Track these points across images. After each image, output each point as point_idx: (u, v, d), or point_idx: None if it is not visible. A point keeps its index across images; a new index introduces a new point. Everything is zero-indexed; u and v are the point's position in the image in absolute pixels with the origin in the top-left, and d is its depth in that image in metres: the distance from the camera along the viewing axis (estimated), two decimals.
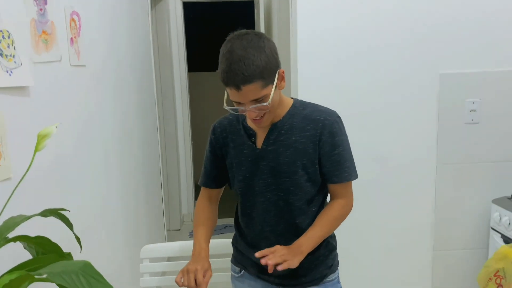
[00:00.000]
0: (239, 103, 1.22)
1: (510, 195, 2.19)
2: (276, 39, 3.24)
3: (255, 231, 1.41)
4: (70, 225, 0.98)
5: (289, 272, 1.33)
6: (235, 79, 1.15)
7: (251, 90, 1.17)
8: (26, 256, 0.95)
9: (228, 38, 1.22)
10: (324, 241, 1.37)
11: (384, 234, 2.28)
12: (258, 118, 1.25)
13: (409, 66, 2.14)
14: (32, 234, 0.96)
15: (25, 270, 0.81)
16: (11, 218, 0.92)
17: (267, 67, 1.18)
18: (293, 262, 1.22)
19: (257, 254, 1.22)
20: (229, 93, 1.21)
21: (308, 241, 1.30)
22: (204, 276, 1.27)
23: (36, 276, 0.71)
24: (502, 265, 1.90)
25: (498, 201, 2.16)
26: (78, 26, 1.71)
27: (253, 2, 4.23)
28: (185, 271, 1.29)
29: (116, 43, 2.28)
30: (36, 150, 0.92)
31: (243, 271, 1.50)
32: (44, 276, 0.70)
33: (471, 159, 2.22)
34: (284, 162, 1.31)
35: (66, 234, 1.03)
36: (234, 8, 5.65)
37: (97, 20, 1.98)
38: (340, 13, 2.10)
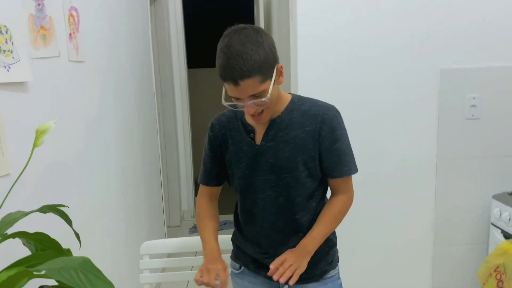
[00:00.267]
0: (237, 99, 1.21)
1: (511, 190, 2.19)
2: (276, 35, 3.23)
3: (255, 227, 1.41)
4: (69, 221, 0.97)
5: None
6: (233, 74, 1.14)
7: (250, 85, 1.16)
8: (25, 252, 0.95)
9: (225, 33, 1.20)
10: None
11: (384, 229, 2.28)
12: (256, 114, 1.24)
13: (409, 61, 2.13)
14: (31, 230, 0.95)
15: (24, 267, 0.81)
16: (10, 214, 0.91)
17: (265, 61, 1.17)
18: (302, 267, 1.25)
19: (270, 272, 1.24)
20: (227, 88, 1.20)
21: (313, 241, 1.31)
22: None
23: (35, 273, 0.71)
24: (502, 260, 1.90)
25: (498, 197, 2.16)
26: (76, 21, 1.70)
27: None
28: (205, 270, 1.29)
29: (115, 39, 2.27)
30: (34, 145, 0.92)
31: (243, 267, 1.50)
32: (43, 272, 0.69)
33: (471, 155, 2.21)
34: (284, 158, 1.31)
35: (65, 231, 1.02)
36: (234, 4, 5.64)
37: (96, 15, 1.97)
38: (340, 9, 2.09)
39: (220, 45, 1.19)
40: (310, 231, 1.33)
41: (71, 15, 1.65)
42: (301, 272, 1.25)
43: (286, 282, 1.26)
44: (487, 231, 2.26)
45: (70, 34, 1.63)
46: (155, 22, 3.93)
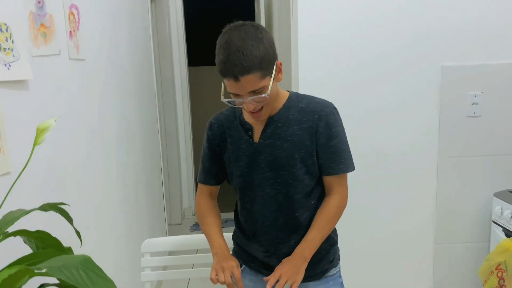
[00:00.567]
0: (236, 95, 1.21)
1: None
2: (276, 32, 3.23)
3: (255, 225, 1.41)
4: (70, 219, 0.97)
5: None
6: (234, 70, 1.14)
7: (250, 81, 1.16)
8: (26, 250, 0.95)
9: (225, 29, 1.20)
10: None
11: (385, 227, 2.28)
12: (256, 111, 1.24)
13: (411, 58, 2.13)
14: (32, 228, 0.95)
15: (25, 265, 0.81)
16: (11, 213, 0.91)
17: (265, 57, 1.17)
18: (299, 280, 1.25)
19: (267, 287, 1.24)
20: (226, 84, 1.20)
21: (309, 246, 1.30)
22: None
23: (36, 271, 0.71)
24: (503, 258, 1.90)
25: (499, 195, 2.16)
26: (77, 19, 1.70)
27: None
28: (220, 268, 1.29)
29: (115, 37, 2.27)
30: (35, 144, 0.91)
31: (243, 265, 1.50)
32: (44, 270, 0.69)
33: (472, 152, 2.21)
34: (282, 156, 1.31)
35: (66, 229, 1.02)
36: (234, 2, 5.62)
37: (96, 13, 1.97)
38: (341, 7, 2.08)
39: (219, 41, 1.19)
40: (305, 236, 1.32)
41: (72, 13, 1.65)
42: (299, 284, 1.25)
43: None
44: (488, 229, 2.26)
45: (70, 32, 1.63)
46: (155, 20, 3.92)
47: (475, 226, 2.28)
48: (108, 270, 0.81)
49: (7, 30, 1.19)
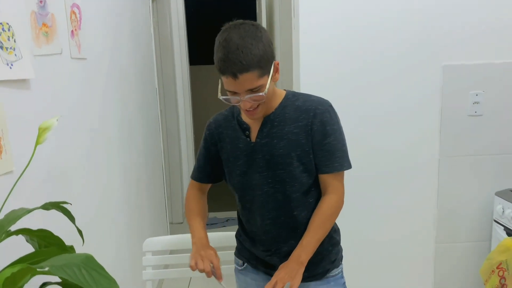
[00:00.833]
0: (234, 93, 1.22)
1: None
2: (278, 31, 3.23)
3: (255, 225, 1.41)
4: (72, 218, 0.98)
5: None
6: (233, 68, 1.15)
7: (248, 79, 1.17)
8: (28, 249, 0.95)
9: (224, 27, 1.21)
10: (327, 236, 1.37)
11: (386, 226, 2.28)
12: (252, 109, 1.25)
13: (412, 57, 2.12)
14: (34, 227, 0.96)
15: (27, 263, 0.81)
16: (13, 211, 0.92)
17: (264, 56, 1.17)
18: (296, 283, 1.25)
19: None
20: (224, 82, 1.21)
21: (305, 249, 1.30)
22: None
23: (38, 269, 0.71)
24: (505, 257, 1.90)
25: (501, 194, 2.16)
26: (78, 18, 1.70)
27: None
28: (199, 257, 1.31)
29: (117, 36, 2.27)
30: (37, 143, 0.92)
31: (246, 264, 1.51)
32: (46, 269, 0.70)
33: (474, 152, 2.21)
34: (279, 154, 1.31)
35: (68, 228, 1.03)
36: (236, 1, 5.62)
37: (97, 12, 1.97)
38: (342, 6, 2.08)
39: (218, 39, 1.20)
40: (301, 240, 1.32)
41: (73, 12, 1.65)
42: (297, 285, 1.26)
43: None
44: (489, 228, 2.26)
45: (72, 31, 1.63)
46: (157, 19, 3.92)
47: (477, 225, 2.28)
48: (110, 269, 0.81)
49: (9, 30, 1.19)
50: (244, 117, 1.36)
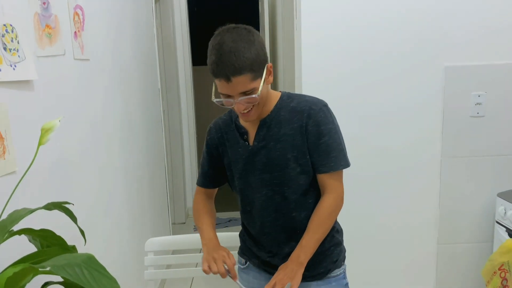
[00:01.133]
0: (227, 96, 1.23)
1: None
2: (280, 31, 3.23)
3: (255, 227, 1.43)
4: (74, 218, 0.99)
5: None
6: (226, 71, 1.16)
7: (241, 82, 1.18)
8: (31, 249, 0.96)
9: (217, 31, 1.23)
10: (328, 235, 1.37)
11: (388, 227, 2.28)
12: (246, 111, 1.25)
13: (414, 59, 2.13)
14: (37, 227, 0.97)
15: (29, 263, 0.82)
16: (16, 211, 0.92)
17: (257, 60, 1.19)
18: (295, 283, 1.25)
19: None
20: (218, 85, 1.22)
21: (304, 250, 1.30)
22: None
23: (40, 269, 0.72)
24: (506, 258, 1.90)
25: (503, 195, 2.15)
26: (81, 20, 1.71)
27: None
28: (212, 259, 1.30)
29: (120, 37, 2.28)
30: (40, 143, 0.93)
31: (248, 262, 1.52)
32: (48, 269, 0.70)
33: (476, 153, 2.20)
34: (275, 157, 1.32)
35: (70, 227, 1.03)
36: (239, 1, 5.63)
37: (100, 13, 1.98)
38: (344, 6, 2.08)
39: (212, 42, 1.21)
40: (300, 241, 1.32)
41: (76, 13, 1.66)
42: (297, 285, 1.26)
43: None
44: (491, 229, 2.25)
45: (75, 32, 1.64)
46: (159, 20, 3.93)
47: (478, 226, 2.28)
48: (112, 269, 0.82)
49: (12, 31, 1.20)
50: (242, 122, 1.37)
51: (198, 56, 5.22)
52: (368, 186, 2.21)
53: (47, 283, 0.92)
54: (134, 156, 2.48)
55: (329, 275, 1.42)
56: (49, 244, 0.95)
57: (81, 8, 1.71)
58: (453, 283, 2.33)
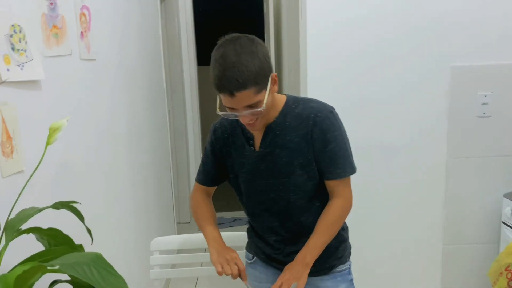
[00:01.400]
0: (232, 109, 1.21)
1: None
2: (285, 33, 3.23)
3: (262, 229, 1.44)
4: (81, 218, 0.99)
5: None
6: (229, 86, 1.14)
7: (245, 96, 1.16)
8: (38, 247, 0.97)
9: (219, 42, 1.20)
10: None
11: (393, 228, 2.27)
12: (251, 122, 1.24)
13: (420, 58, 2.12)
14: (44, 226, 0.97)
15: (38, 261, 0.83)
16: (24, 210, 0.93)
17: (260, 72, 1.16)
18: (301, 284, 1.26)
19: None
20: (222, 99, 1.20)
21: (310, 251, 1.30)
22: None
23: (49, 267, 0.73)
24: None
25: (510, 196, 2.14)
26: (88, 20, 1.72)
27: None
28: (225, 261, 1.31)
29: (125, 37, 2.29)
30: (48, 143, 0.93)
31: (255, 257, 1.52)
32: (57, 267, 0.71)
33: (482, 153, 2.20)
34: (281, 163, 1.31)
35: (76, 226, 1.04)
36: (244, 1, 5.63)
37: (106, 14, 1.99)
38: (350, 7, 2.08)
39: (214, 55, 1.18)
40: (307, 242, 1.32)
41: (83, 14, 1.67)
42: (303, 285, 1.26)
43: None
44: (498, 230, 2.24)
45: (81, 32, 1.65)
46: (165, 20, 3.94)
47: (485, 227, 2.27)
48: (117, 268, 0.82)
49: (20, 32, 1.21)
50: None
51: (203, 56, 5.22)
52: (373, 187, 2.21)
53: (55, 282, 0.93)
54: (140, 156, 2.49)
55: (334, 270, 1.44)
56: (56, 243, 0.96)
57: (87, 9, 1.72)
58: (459, 284, 2.32)
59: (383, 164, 2.20)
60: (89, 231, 1.03)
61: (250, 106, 1.19)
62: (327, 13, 2.09)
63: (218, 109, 1.25)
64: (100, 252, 0.80)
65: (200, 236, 1.75)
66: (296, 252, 1.33)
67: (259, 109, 1.19)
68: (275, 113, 1.32)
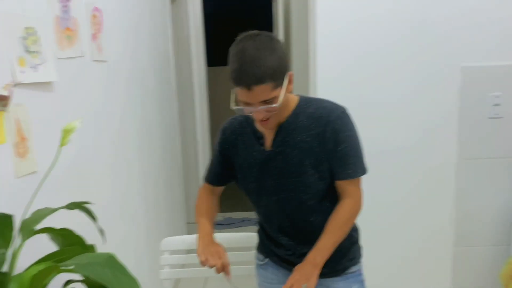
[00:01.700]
0: (247, 104, 1.22)
1: None
2: (295, 33, 3.23)
3: (273, 229, 1.43)
4: (94, 218, 1.00)
5: None
6: (247, 79, 1.15)
7: (262, 91, 1.17)
8: (50, 247, 0.98)
9: (239, 38, 1.22)
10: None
11: (404, 229, 2.26)
12: (264, 119, 1.25)
13: (430, 59, 2.10)
14: (56, 226, 0.98)
15: (51, 261, 0.84)
16: (39, 210, 0.94)
17: (278, 68, 1.18)
18: (311, 285, 1.26)
19: None
20: (238, 93, 1.21)
21: (320, 252, 1.31)
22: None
23: (62, 268, 0.74)
24: None
25: None
26: (99, 22, 1.74)
27: None
28: (209, 253, 1.32)
29: (136, 39, 2.31)
30: (61, 145, 0.95)
31: (267, 259, 1.52)
32: (71, 267, 0.72)
33: (494, 154, 2.17)
34: (292, 163, 1.31)
35: (88, 227, 1.05)
36: (253, 2, 5.64)
37: (118, 15, 2.01)
38: (360, 7, 2.07)
39: (233, 49, 1.20)
40: (317, 243, 1.32)
41: (94, 15, 1.69)
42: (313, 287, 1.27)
43: None
44: (509, 232, 2.22)
45: (93, 34, 1.67)
46: (174, 21, 3.96)
47: (496, 229, 2.25)
48: (129, 268, 0.83)
49: (34, 34, 1.23)
50: (258, 126, 1.37)
51: (212, 57, 5.24)
52: (383, 188, 2.20)
53: (69, 281, 0.94)
54: (150, 156, 2.50)
55: (346, 271, 1.44)
56: (69, 243, 0.97)
57: (99, 10, 1.73)
58: (470, 286, 2.30)
59: (393, 165, 2.19)
60: (102, 232, 1.04)
61: (266, 102, 1.20)
62: (337, 14, 2.08)
63: (232, 104, 1.26)
64: (111, 252, 0.81)
65: None
66: (308, 253, 1.33)
67: (274, 105, 1.20)
68: (287, 112, 1.32)
